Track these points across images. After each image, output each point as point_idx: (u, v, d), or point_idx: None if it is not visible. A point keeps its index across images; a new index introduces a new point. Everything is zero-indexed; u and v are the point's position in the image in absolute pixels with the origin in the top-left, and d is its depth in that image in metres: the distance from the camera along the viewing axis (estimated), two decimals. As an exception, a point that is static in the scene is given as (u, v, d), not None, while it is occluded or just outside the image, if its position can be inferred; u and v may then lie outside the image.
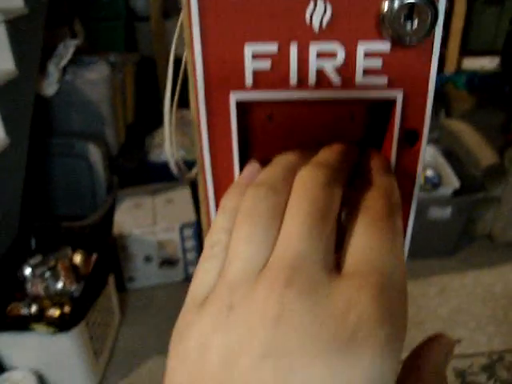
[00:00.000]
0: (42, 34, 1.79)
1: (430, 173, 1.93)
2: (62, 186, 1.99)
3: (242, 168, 0.24)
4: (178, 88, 0.36)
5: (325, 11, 0.20)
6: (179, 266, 1.85)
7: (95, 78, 1.89)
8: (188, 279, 1.85)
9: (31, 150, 1.71)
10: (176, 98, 0.37)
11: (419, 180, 0.24)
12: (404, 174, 0.23)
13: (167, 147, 0.36)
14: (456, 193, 1.89)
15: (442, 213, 1.88)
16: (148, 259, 1.83)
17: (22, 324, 1.34)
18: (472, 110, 2.38)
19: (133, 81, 2.25)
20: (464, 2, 2.62)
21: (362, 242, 0.19)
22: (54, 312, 1.42)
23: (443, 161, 2.04)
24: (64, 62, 1.90)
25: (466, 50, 2.77)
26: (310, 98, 0.22)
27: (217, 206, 0.25)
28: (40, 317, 1.39)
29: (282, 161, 0.22)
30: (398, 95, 0.22)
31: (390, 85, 0.21)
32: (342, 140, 0.24)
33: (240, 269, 0.19)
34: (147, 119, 2.33)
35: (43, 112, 1.91)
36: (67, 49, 1.94)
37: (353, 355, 0.17)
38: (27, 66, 1.67)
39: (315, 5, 0.20)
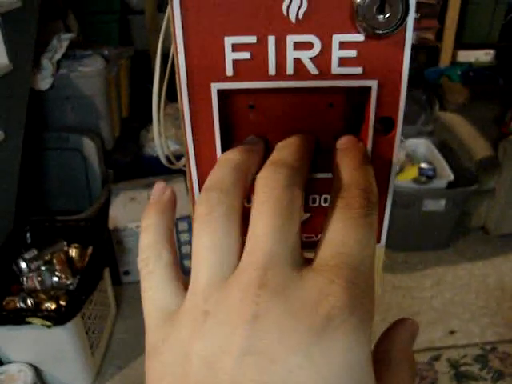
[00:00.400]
0: (36, 28, 1.78)
1: (424, 165, 1.94)
2: (56, 180, 1.99)
3: None
4: (165, 80, 0.37)
5: (301, 4, 0.21)
6: (175, 249, 1.85)
7: (89, 72, 1.89)
8: (183, 272, 1.86)
9: (26, 145, 1.71)
10: (164, 90, 0.38)
11: (395, 168, 0.24)
12: (380, 162, 0.24)
13: (156, 138, 0.37)
14: (450, 185, 1.90)
15: (437, 205, 1.89)
16: (143, 253, 1.83)
17: (18, 317, 1.35)
18: (467, 102, 2.38)
19: (127, 74, 2.25)
20: (459, -6, 2.62)
21: (338, 237, 0.20)
22: (50, 305, 1.42)
23: (437, 153, 2.05)
24: (58, 56, 1.90)
25: (460, 43, 2.77)
26: (288, 87, 0.22)
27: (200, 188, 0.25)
28: (36, 310, 1.40)
29: (228, 161, 0.22)
30: (373, 84, 0.22)
31: (365, 75, 0.22)
32: (322, 128, 0.25)
33: (209, 276, 0.20)
34: (142, 113, 2.33)
35: (37, 106, 1.91)
36: (61, 43, 1.94)
37: (329, 342, 0.17)
38: (21, 60, 1.66)
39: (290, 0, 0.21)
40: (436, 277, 1.94)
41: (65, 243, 1.63)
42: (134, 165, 2.13)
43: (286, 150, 0.23)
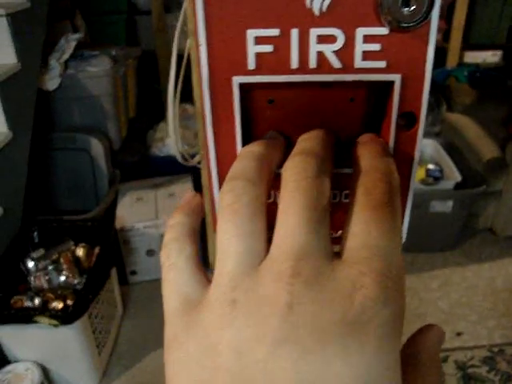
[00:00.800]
0: (44, 29, 1.79)
1: (431, 166, 1.93)
2: (64, 179, 2.00)
3: None
4: (180, 79, 0.37)
5: None
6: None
7: (97, 72, 1.89)
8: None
9: (33, 145, 1.72)
10: (179, 88, 0.38)
11: (416, 164, 0.24)
12: (402, 158, 0.24)
13: (172, 134, 0.37)
14: (457, 186, 1.89)
15: (444, 206, 1.89)
16: (150, 253, 1.83)
17: (26, 316, 1.35)
18: (474, 103, 2.37)
19: (134, 75, 2.25)
20: (466, -5, 2.61)
21: (362, 227, 0.20)
22: (57, 305, 1.42)
23: (445, 154, 2.04)
24: (66, 56, 1.91)
25: (468, 44, 2.76)
26: (311, 80, 0.22)
27: (220, 183, 0.25)
28: (43, 309, 1.40)
29: (251, 153, 0.22)
30: (397, 78, 0.22)
31: (389, 69, 0.22)
32: (342, 123, 0.25)
33: (236, 264, 0.19)
34: (149, 113, 2.34)
35: (45, 106, 1.92)
36: (69, 43, 1.94)
37: (363, 333, 0.17)
38: (29, 60, 1.67)
39: None
40: (443, 278, 1.94)
41: (72, 243, 1.64)
42: (141, 165, 2.13)
43: (310, 141, 0.23)
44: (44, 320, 1.34)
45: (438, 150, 2.08)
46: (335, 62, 0.22)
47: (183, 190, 1.86)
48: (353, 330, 0.17)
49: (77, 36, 1.98)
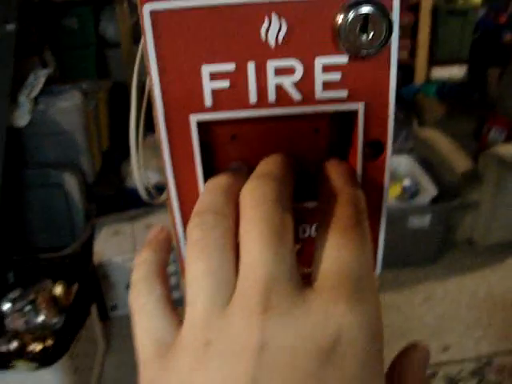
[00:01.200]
0: (12, 66, 1.77)
1: (407, 182, 1.95)
2: (39, 216, 1.96)
3: None
4: (143, 112, 0.36)
5: (280, 27, 0.20)
6: (168, 284, 1.82)
7: (67, 107, 1.88)
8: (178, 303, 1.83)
9: (5, 183, 1.68)
10: (142, 122, 0.37)
11: (387, 192, 0.24)
12: (371, 187, 0.23)
13: (135, 173, 0.36)
14: (434, 200, 1.91)
15: (422, 221, 1.90)
16: (130, 287, 1.80)
17: (2, 362, 1.31)
18: (444, 117, 2.42)
19: (106, 107, 2.24)
20: (428, 13, 2.69)
21: (332, 252, 0.19)
22: (36, 347, 1.38)
23: (419, 169, 2.07)
24: (35, 92, 1.89)
25: (434, 60, 2.83)
26: (271, 115, 0.22)
27: (184, 229, 0.24)
28: (21, 353, 1.35)
29: (217, 184, 0.22)
30: (360, 107, 0.22)
31: (351, 97, 0.21)
32: (308, 154, 0.24)
33: (207, 304, 0.19)
34: (123, 145, 2.32)
35: (16, 143, 1.89)
36: (38, 79, 1.93)
37: (341, 363, 0.17)
38: (-3, 98, 1.65)
39: (270, 21, 0.20)
40: (426, 293, 1.94)
41: (49, 281, 1.60)
42: (117, 197, 2.11)
43: (268, 164, 0.22)
44: (22, 364, 1.29)
45: (413, 165, 2.10)
46: (295, 94, 0.21)
47: (160, 221, 1.84)
48: (330, 361, 0.17)
49: (46, 71, 1.97)
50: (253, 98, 0.21)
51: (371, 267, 0.20)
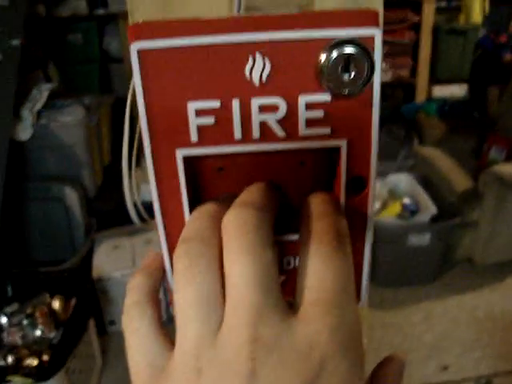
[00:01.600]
0: (16, 80, 1.79)
1: (407, 200, 1.95)
2: (39, 230, 1.96)
3: None
4: (136, 136, 0.37)
5: (264, 66, 0.21)
6: (160, 308, 1.82)
7: (70, 122, 1.89)
8: (169, 320, 1.82)
9: (6, 195, 1.69)
10: (135, 145, 0.37)
11: (371, 225, 0.24)
12: (355, 221, 0.24)
13: (127, 196, 0.36)
14: (434, 219, 1.91)
15: (421, 240, 1.90)
16: (129, 301, 1.79)
17: (-1, 376, 1.30)
18: (444, 136, 2.43)
19: (108, 122, 2.26)
20: (429, 32, 2.71)
21: (313, 280, 0.20)
22: (32, 361, 1.37)
23: (419, 188, 2.07)
24: (38, 106, 1.90)
25: (435, 79, 2.85)
26: (255, 151, 0.22)
27: (170, 257, 0.25)
28: (17, 367, 1.35)
29: (204, 212, 0.22)
30: (342, 144, 0.22)
31: (334, 134, 0.22)
32: (294, 186, 0.25)
33: (197, 333, 0.20)
34: (124, 159, 2.33)
35: (18, 156, 1.90)
36: (41, 93, 1.95)
37: None
38: (1, 111, 1.66)
39: (254, 61, 0.21)
40: (425, 311, 1.93)
41: (47, 295, 1.59)
42: (117, 212, 2.11)
43: (251, 193, 0.23)
44: (18, 379, 1.28)
45: (413, 183, 2.11)
46: (279, 131, 0.22)
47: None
48: None
49: (49, 86, 1.98)
50: (237, 134, 0.22)
51: (353, 293, 0.20)
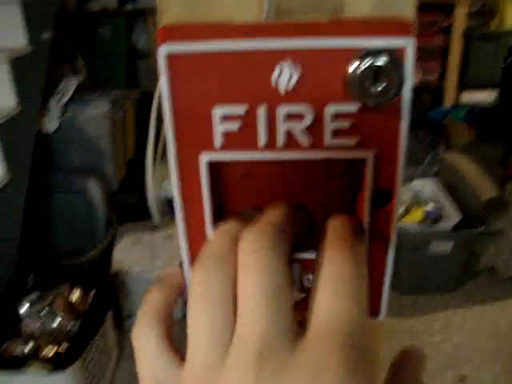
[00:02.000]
0: (45, 72, 1.82)
1: (430, 207, 1.92)
2: (61, 221, 1.99)
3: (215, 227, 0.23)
4: (162, 133, 0.36)
5: (291, 74, 0.20)
6: (177, 304, 1.82)
7: (95, 115, 1.91)
8: (185, 317, 1.83)
9: (31, 186, 1.72)
10: (161, 143, 0.37)
11: (394, 240, 0.23)
12: (378, 235, 0.23)
13: (150, 189, 0.36)
14: (457, 226, 1.88)
15: (444, 247, 1.87)
16: (146, 296, 1.81)
17: (17, 363, 1.32)
18: (471, 143, 2.39)
19: (133, 116, 2.28)
20: (460, 37, 2.67)
21: (327, 301, 0.20)
22: (50, 350, 1.40)
23: (443, 194, 2.04)
24: (65, 98, 1.93)
25: (464, 84, 2.80)
26: (279, 159, 0.22)
27: (191, 261, 0.25)
28: (35, 355, 1.37)
29: (226, 231, 0.22)
30: (369, 156, 0.21)
31: (360, 145, 0.21)
32: (317, 196, 0.24)
33: (207, 354, 0.20)
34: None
35: (43, 148, 1.93)
36: (69, 86, 1.97)
37: None
38: (29, 103, 1.69)
39: (281, 68, 0.20)
40: (445, 320, 1.90)
41: (68, 286, 1.62)
42: (139, 206, 2.12)
43: (271, 212, 0.22)
44: (36, 366, 1.31)
45: (437, 189, 2.08)
46: (304, 140, 0.21)
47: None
48: None
49: (77, 79, 2.01)
50: (262, 140, 0.21)
51: (365, 316, 0.20)
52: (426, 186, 2.10)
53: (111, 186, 2.02)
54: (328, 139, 0.21)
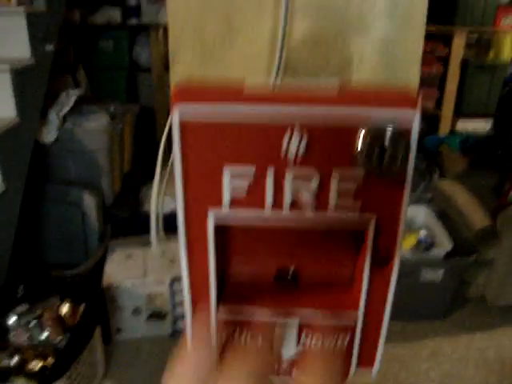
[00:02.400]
0: (46, 84, 1.82)
1: (423, 234, 1.93)
2: (54, 232, 1.98)
3: (218, 281, 0.24)
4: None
5: (300, 141, 0.21)
6: (167, 320, 1.82)
7: (94, 128, 1.92)
8: (175, 334, 1.82)
9: (26, 196, 1.71)
10: (169, 167, 0.38)
11: (390, 301, 0.24)
12: (376, 295, 0.24)
13: (153, 200, 0.37)
14: (448, 255, 1.88)
15: (434, 275, 1.88)
16: (136, 311, 1.80)
17: (2, 376, 1.31)
18: (465, 171, 2.41)
19: (131, 130, 2.28)
20: (458, 66, 2.70)
21: None
22: (36, 364, 1.38)
23: (436, 221, 2.05)
24: (65, 110, 1.94)
25: (460, 112, 2.83)
26: (285, 225, 0.22)
27: (193, 303, 0.25)
28: (21, 369, 1.35)
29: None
30: (371, 221, 0.22)
31: (363, 209, 0.22)
32: (319, 253, 0.25)
33: None
34: (144, 169, 2.35)
35: (40, 158, 1.93)
36: (69, 98, 1.98)
37: None
38: (28, 114, 1.69)
39: (291, 135, 0.21)
40: (433, 348, 1.90)
41: (57, 299, 1.60)
42: (132, 220, 2.12)
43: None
44: (20, 381, 1.29)
45: (430, 217, 2.09)
46: (310, 202, 0.22)
47: (173, 249, 1.84)
48: None
49: (77, 91, 2.02)
50: (269, 202, 0.22)
51: None
52: (419, 213, 2.12)
53: (106, 200, 2.01)
54: (333, 203, 0.22)
